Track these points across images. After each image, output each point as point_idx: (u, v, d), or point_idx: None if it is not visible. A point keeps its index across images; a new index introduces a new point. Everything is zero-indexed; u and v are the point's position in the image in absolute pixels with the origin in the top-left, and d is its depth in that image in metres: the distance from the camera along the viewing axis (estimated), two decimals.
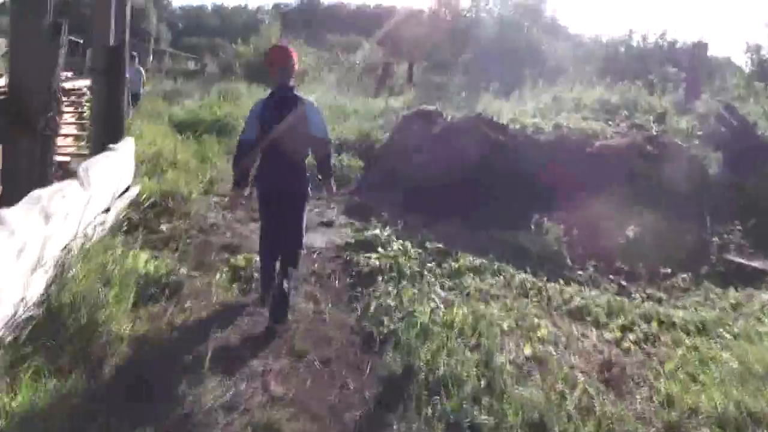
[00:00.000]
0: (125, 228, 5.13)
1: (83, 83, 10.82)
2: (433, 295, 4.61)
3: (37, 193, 3.54)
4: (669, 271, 6.23)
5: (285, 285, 3.99)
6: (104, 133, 6.09)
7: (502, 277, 5.51)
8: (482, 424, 2.97)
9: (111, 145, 5.50)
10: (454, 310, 4.28)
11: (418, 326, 3.87)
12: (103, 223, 4.91)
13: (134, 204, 5.88)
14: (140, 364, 3.25)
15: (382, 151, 10.30)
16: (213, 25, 60.24)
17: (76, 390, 2.93)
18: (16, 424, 2.58)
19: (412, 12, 29.89)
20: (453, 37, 29.49)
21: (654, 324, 4.67)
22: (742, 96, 17.10)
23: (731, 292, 5.72)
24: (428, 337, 3.78)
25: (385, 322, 4.02)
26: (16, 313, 3.27)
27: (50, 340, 3.25)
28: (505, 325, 4.20)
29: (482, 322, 4.09)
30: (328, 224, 6.77)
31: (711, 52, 22.47)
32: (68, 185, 4.09)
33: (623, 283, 5.94)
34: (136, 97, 12.49)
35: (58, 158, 7.11)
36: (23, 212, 3.33)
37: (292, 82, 4.22)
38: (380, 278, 4.90)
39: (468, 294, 4.88)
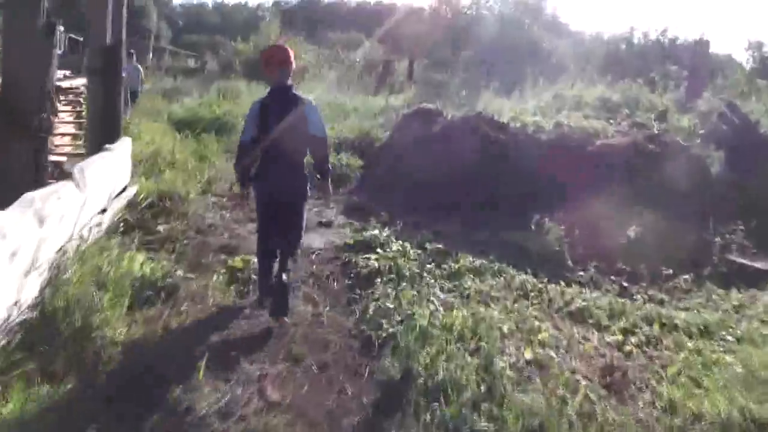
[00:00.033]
0: (122, 229, 5.08)
1: (81, 82, 10.78)
2: (432, 298, 4.56)
3: (30, 195, 3.49)
4: (671, 272, 6.16)
5: (284, 278, 4.04)
6: (101, 133, 6.03)
7: (502, 278, 5.45)
8: (482, 431, 2.93)
9: (107, 146, 5.45)
10: (454, 312, 4.23)
11: (417, 329, 3.82)
12: (99, 224, 4.86)
13: (131, 204, 5.83)
14: (134, 370, 3.20)
15: (382, 150, 10.24)
16: (213, 22, 60.16)
17: (69, 396, 2.89)
18: None
19: (412, 9, 29.88)
20: (453, 34, 29.45)
21: (656, 326, 4.61)
22: (743, 93, 17.05)
23: (734, 293, 5.66)
24: (427, 340, 3.73)
25: (384, 326, 3.97)
26: (9, 316, 3.23)
27: (44, 344, 3.21)
28: (505, 328, 4.15)
29: (482, 325, 4.03)
30: (327, 224, 6.71)
31: (712, 49, 22.39)
32: (63, 187, 4.04)
33: (625, 284, 5.87)
34: (134, 95, 12.46)
35: (55, 158, 7.10)
36: (16, 215, 3.28)
37: (290, 81, 4.20)
38: (379, 280, 4.84)
39: (468, 296, 4.82)
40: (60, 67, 15.12)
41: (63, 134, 8.94)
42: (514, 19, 30.36)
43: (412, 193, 8.14)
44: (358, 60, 27.73)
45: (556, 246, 6.48)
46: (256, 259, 4.49)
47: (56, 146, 8.24)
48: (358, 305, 4.44)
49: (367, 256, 5.34)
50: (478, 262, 5.69)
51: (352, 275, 5.07)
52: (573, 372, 3.66)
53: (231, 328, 3.90)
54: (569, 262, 6.30)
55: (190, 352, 3.44)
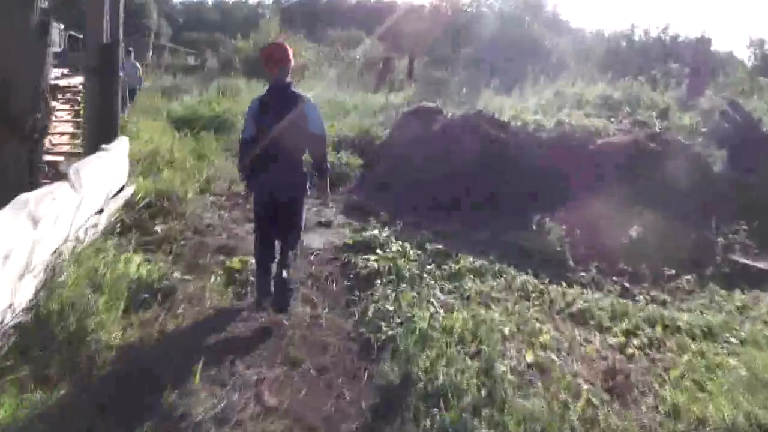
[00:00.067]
0: (119, 230, 5.03)
1: (79, 80, 10.73)
2: (432, 299, 4.51)
3: (24, 196, 3.44)
4: (673, 272, 6.11)
5: (284, 274, 4.05)
6: (98, 132, 5.97)
7: (503, 279, 5.40)
8: None
9: (104, 145, 5.39)
10: (454, 314, 4.18)
11: (417, 332, 3.77)
12: (95, 225, 4.81)
13: (129, 204, 5.77)
14: (129, 374, 3.15)
15: (382, 148, 10.19)
16: (213, 20, 60.03)
17: (63, 402, 2.84)
18: None
19: (412, 7, 29.77)
20: (454, 32, 29.38)
21: (658, 328, 4.55)
22: (745, 92, 16.97)
23: (737, 294, 5.60)
24: (427, 343, 3.67)
25: (383, 328, 3.91)
26: (3, 320, 3.18)
27: (38, 349, 3.16)
28: (506, 330, 4.09)
29: (483, 327, 3.98)
30: (326, 224, 6.66)
31: (713, 46, 22.28)
32: (58, 187, 3.99)
33: (626, 284, 5.82)
34: (132, 93, 12.43)
35: (53, 157, 7.05)
36: (9, 217, 3.23)
37: (289, 79, 4.20)
38: (379, 281, 4.79)
39: (468, 297, 4.77)
40: (59, 66, 15.12)
41: (61, 133, 8.90)
42: (514, 17, 30.29)
43: (412, 193, 8.09)
44: (358, 57, 27.70)
45: (557, 246, 6.42)
46: (254, 260, 4.44)
47: (54, 145, 8.20)
48: (357, 307, 4.39)
49: (366, 256, 5.29)
50: (478, 263, 5.64)
51: (351, 276, 5.02)
52: (575, 375, 3.61)
53: (228, 330, 3.85)
54: (570, 263, 6.25)
55: (186, 356, 3.38)
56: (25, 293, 3.42)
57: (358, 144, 10.97)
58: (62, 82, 11.27)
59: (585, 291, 5.42)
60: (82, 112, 9.08)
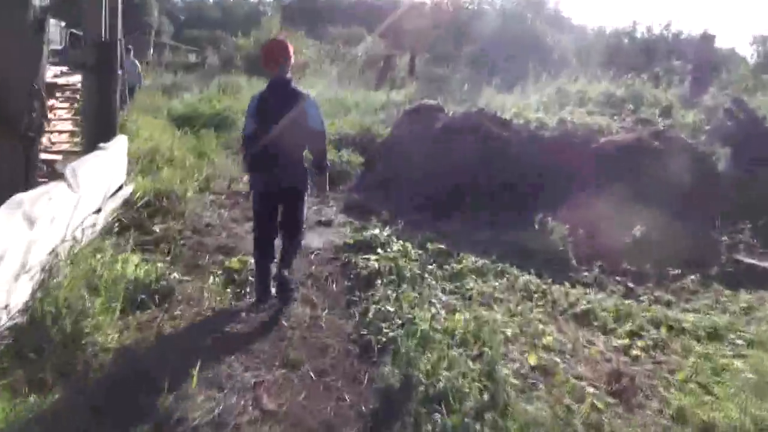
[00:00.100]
0: (117, 229, 4.97)
1: (78, 78, 10.65)
2: (433, 300, 4.45)
3: (19, 197, 3.39)
4: (678, 272, 6.04)
5: (286, 273, 4.14)
6: (96, 131, 5.91)
7: (505, 279, 5.35)
8: None
9: (102, 144, 5.34)
10: (456, 315, 4.12)
11: (418, 334, 3.70)
12: (93, 224, 4.76)
13: (127, 204, 5.71)
14: (125, 377, 3.10)
15: (383, 146, 10.11)
16: (215, 17, 59.91)
17: (57, 406, 2.79)
18: None
19: (414, 4, 29.67)
20: (455, 29, 29.28)
21: (663, 329, 4.49)
22: (748, 89, 16.87)
23: (742, 294, 5.53)
24: (428, 345, 3.61)
25: (384, 330, 3.85)
26: None
27: (33, 351, 3.11)
28: (508, 332, 4.04)
29: (485, 328, 3.91)
30: (327, 223, 6.59)
31: (715, 43, 22.16)
32: (55, 187, 3.95)
33: (630, 284, 5.75)
34: (132, 90, 12.40)
35: (52, 156, 6.99)
36: (4, 218, 3.19)
37: (289, 75, 4.19)
38: (379, 281, 4.72)
39: (470, 298, 4.71)
40: (60, 63, 15.04)
41: (61, 131, 8.83)
42: (516, 14, 30.20)
43: (413, 191, 8.03)
44: (359, 55, 27.60)
45: (560, 245, 6.35)
46: (253, 260, 4.40)
47: (53, 143, 8.14)
48: (357, 308, 4.33)
49: (367, 256, 5.23)
50: (480, 263, 5.58)
51: (351, 276, 4.97)
52: (579, 378, 3.55)
53: (226, 332, 3.79)
54: (573, 262, 6.18)
55: (183, 358, 3.32)
56: (20, 294, 3.38)
57: (359, 142, 10.91)
58: (61, 80, 11.19)
59: (588, 291, 5.36)
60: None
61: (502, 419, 2.97)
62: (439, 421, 2.93)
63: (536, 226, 6.64)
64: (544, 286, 5.26)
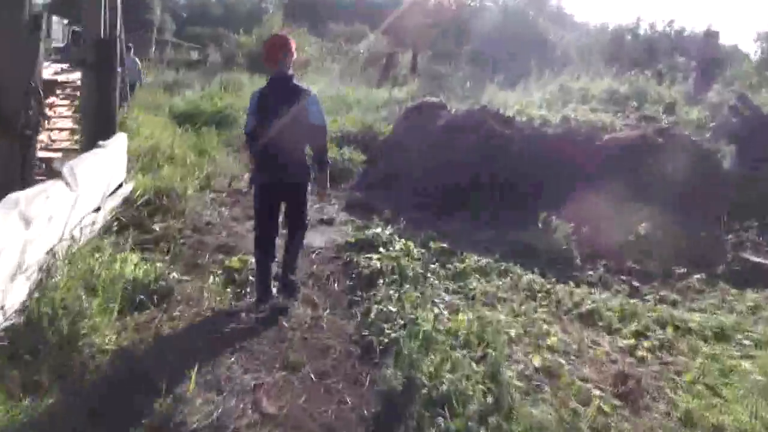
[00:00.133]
0: (116, 228, 4.90)
1: (78, 75, 10.61)
2: (436, 300, 4.39)
3: (14, 196, 3.34)
4: (683, 270, 5.96)
5: (291, 276, 4.25)
6: (95, 128, 5.85)
7: (509, 279, 5.29)
8: None
9: (101, 142, 5.28)
10: (459, 316, 4.06)
11: (421, 335, 3.64)
12: (92, 223, 4.70)
13: (127, 202, 5.66)
14: (123, 380, 3.04)
15: (385, 144, 10.06)
16: (217, 14, 59.78)
17: (52, 409, 2.74)
18: None
19: (416, 1, 29.49)
20: (457, 26, 29.16)
21: (669, 329, 4.42)
22: (752, 86, 16.77)
23: (749, 293, 5.45)
24: (431, 347, 3.55)
25: (386, 330, 3.79)
26: None
27: (29, 353, 3.06)
28: (512, 333, 3.98)
29: (488, 329, 3.84)
30: (329, 222, 6.54)
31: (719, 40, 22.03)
32: (52, 186, 3.89)
33: (635, 283, 5.67)
34: (132, 88, 12.37)
35: (52, 154, 6.94)
36: None
37: (290, 71, 4.15)
38: (381, 281, 4.66)
39: (473, 297, 4.65)
40: (62, 61, 15.01)
41: (61, 129, 8.78)
42: (518, 11, 30.11)
43: (415, 189, 7.98)
44: (361, 52, 27.53)
45: (563, 244, 6.28)
46: (253, 260, 4.34)
47: (53, 141, 8.09)
48: (359, 308, 4.28)
49: (369, 255, 5.17)
50: (483, 262, 5.52)
51: (353, 276, 4.91)
52: (584, 380, 3.49)
53: (226, 333, 3.73)
54: (578, 261, 6.11)
55: (182, 360, 3.27)
56: (17, 295, 3.32)
57: (361, 140, 10.85)
58: (62, 77, 11.15)
59: (593, 290, 5.29)
60: None
61: (506, 423, 2.91)
62: (442, 424, 2.88)
63: (540, 225, 6.57)
64: (548, 286, 5.20)
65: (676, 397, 3.42)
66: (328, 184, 4.33)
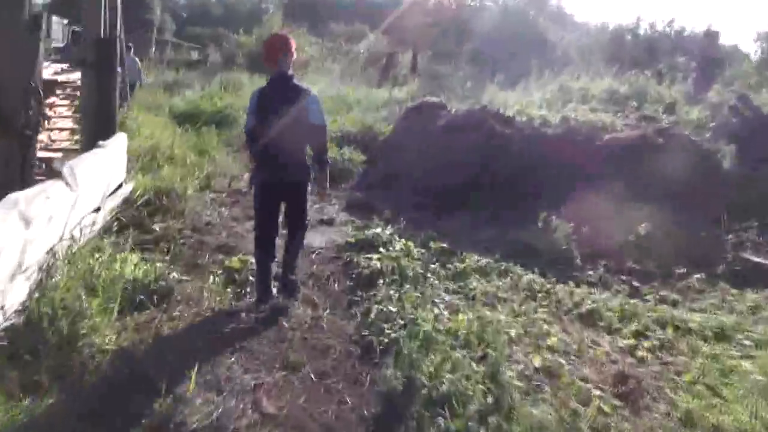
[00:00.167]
0: (116, 228, 4.90)
1: (77, 76, 10.61)
2: (436, 300, 4.39)
3: (14, 196, 3.34)
4: (683, 270, 5.95)
5: (291, 277, 4.27)
6: (95, 128, 5.85)
7: (509, 279, 5.28)
8: None
9: (101, 142, 5.28)
10: (459, 316, 4.06)
11: (421, 335, 3.64)
12: (92, 223, 4.70)
13: (127, 202, 5.66)
14: (122, 380, 3.04)
15: (385, 144, 10.06)
16: (217, 14, 59.78)
17: (51, 410, 2.74)
18: None
19: (416, 1, 29.50)
20: (458, 26, 29.16)
21: (669, 330, 4.42)
22: (752, 85, 16.77)
23: (749, 293, 5.44)
24: (431, 347, 3.55)
25: (386, 330, 3.79)
26: None
27: (28, 353, 3.06)
28: (512, 333, 3.98)
29: (488, 329, 3.85)
30: (329, 222, 6.54)
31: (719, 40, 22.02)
32: (52, 186, 3.89)
33: (635, 283, 5.67)
34: (132, 87, 12.38)
35: (52, 154, 6.94)
36: None
37: (290, 71, 4.15)
38: (381, 281, 4.67)
39: (473, 297, 4.65)
40: (62, 60, 15.02)
41: (61, 129, 8.79)
42: (518, 11, 30.11)
43: (415, 189, 7.98)
44: (361, 52, 27.53)
45: (564, 244, 6.27)
46: (253, 260, 4.34)
47: (53, 141, 8.10)
48: (359, 308, 4.28)
49: (369, 255, 5.17)
50: (483, 262, 5.52)
51: (353, 276, 4.91)
52: (584, 380, 3.49)
53: (226, 333, 3.73)
54: (578, 261, 6.11)
55: (182, 360, 3.27)
56: (17, 295, 3.33)
57: (361, 140, 10.85)
58: (62, 77, 11.16)
59: (593, 290, 5.29)
60: None
61: (506, 423, 2.91)
62: (443, 424, 2.88)
63: (540, 225, 6.56)
64: (548, 286, 5.19)
65: (676, 397, 3.42)
66: (328, 183, 4.33)
